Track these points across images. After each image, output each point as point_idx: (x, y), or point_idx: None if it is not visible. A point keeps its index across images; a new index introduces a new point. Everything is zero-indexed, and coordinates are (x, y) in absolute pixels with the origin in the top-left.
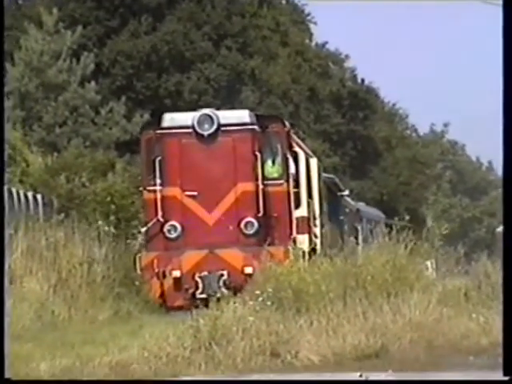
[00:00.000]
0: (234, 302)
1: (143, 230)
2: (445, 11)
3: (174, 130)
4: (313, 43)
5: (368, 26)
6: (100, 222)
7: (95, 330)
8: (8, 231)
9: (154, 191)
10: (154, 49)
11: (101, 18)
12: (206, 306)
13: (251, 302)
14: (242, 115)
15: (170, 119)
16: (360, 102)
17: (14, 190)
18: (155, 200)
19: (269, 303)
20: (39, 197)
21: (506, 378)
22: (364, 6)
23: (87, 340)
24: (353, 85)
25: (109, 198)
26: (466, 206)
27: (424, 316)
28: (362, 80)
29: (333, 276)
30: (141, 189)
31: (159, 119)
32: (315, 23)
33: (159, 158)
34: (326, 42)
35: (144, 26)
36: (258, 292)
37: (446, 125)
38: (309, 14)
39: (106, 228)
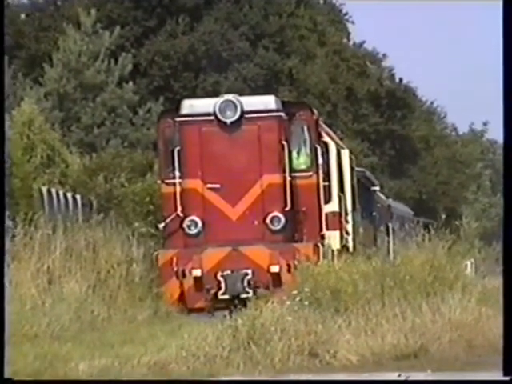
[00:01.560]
0: (273, 302)
1: (161, 226)
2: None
3: (193, 118)
4: (350, 42)
5: (406, 24)
6: (137, 224)
7: (134, 329)
8: (45, 231)
9: (173, 184)
10: (191, 49)
11: (138, 18)
12: (229, 307)
13: (289, 302)
14: (268, 101)
15: (190, 106)
16: (398, 101)
17: (53, 191)
18: (174, 193)
19: (307, 303)
20: (78, 197)
21: (506, 378)
22: (402, 4)
23: (126, 340)
24: (391, 84)
25: (148, 199)
26: None
27: (463, 316)
28: (400, 79)
29: (371, 276)
30: (159, 182)
31: (178, 106)
32: (353, 22)
33: (178, 148)
34: (364, 42)
35: (181, 26)
36: (295, 292)
37: (485, 124)
38: (346, 14)
39: (144, 229)
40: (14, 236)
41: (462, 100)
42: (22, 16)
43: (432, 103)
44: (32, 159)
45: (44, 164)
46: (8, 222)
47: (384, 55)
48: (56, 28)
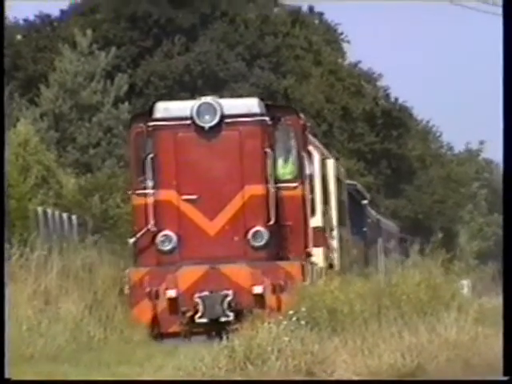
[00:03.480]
0: (269, 322)
1: (131, 241)
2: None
3: (168, 122)
4: (346, 62)
5: (401, 44)
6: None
7: (130, 350)
8: (41, 252)
9: (145, 195)
10: (187, 69)
11: (134, 38)
12: (207, 332)
13: (285, 322)
14: (250, 104)
15: (164, 109)
16: (393, 120)
17: (48, 211)
18: (146, 205)
19: (303, 323)
20: (74, 217)
21: (506, 378)
22: (398, 23)
23: (123, 360)
24: (386, 103)
25: None
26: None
27: (460, 335)
28: (396, 98)
29: (367, 295)
30: (129, 193)
31: (151, 109)
32: (348, 42)
33: (151, 156)
34: (359, 61)
35: (177, 46)
36: (291, 312)
37: (481, 143)
38: (342, 33)
39: None
40: (9, 257)
41: (459, 119)
42: (19, 37)
43: (428, 122)
44: (27, 180)
45: (39, 185)
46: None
47: (379, 75)
48: (52, 48)
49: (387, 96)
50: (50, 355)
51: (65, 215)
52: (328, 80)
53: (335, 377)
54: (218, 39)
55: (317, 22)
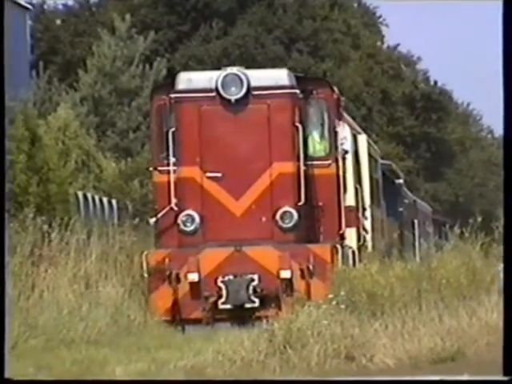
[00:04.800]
0: (309, 306)
1: (152, 220)
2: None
3: (191, 94)
4: (384, 45)
5: (440, 26)
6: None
7: (170, 334)
8: (81, 236)
9: (167, 172)
10: (225, 53)
11: (172, 22)
12: (231, 319)
13: (325, 306)
14: (280, 76)
15: (187, 80)
16: (433, 103)
17: (89, 196)
18: (168, 183)
19: (343, 307)
20: (114, 202)
21: (506, 378)
22: (436, 7)
23: (162, 344)
24: (425, 87)
25: None
26: None
27: (501, 319)
28: (435, 82)
29: (407, 279)
30: (151, 169)
31: (174, 80)
32: (387, 25)
33: (173, 130)
34: (398, 44)
35: (215, 30)
36: (331, 296)
37: None
38: (380, 17)
39: None
40: (50, 241)
41: (499, 102)
42: (58, 22)
43: (468, 105)
44: (67, 164)
45: (79, 169)
46: (44, 227)
47: (418, 58)
48: (91, 33)
49: (427, 79)
50: (90, 339)
51: (105, 199)
52: (367, 63)
53: (375, 361)
54: (256, 23)
55: (355, 5)
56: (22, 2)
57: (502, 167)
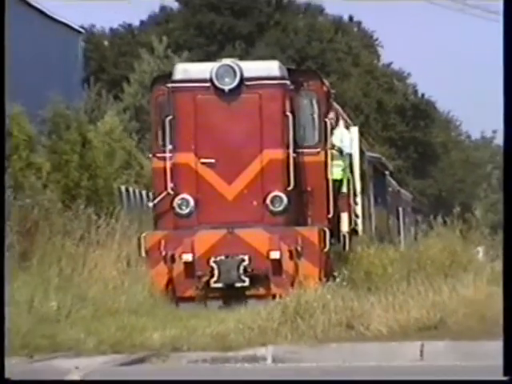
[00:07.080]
0: (315, 283)
1: (151, 204)
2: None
3: (187, 84)
4: (380, 63)
5: (428, 46)
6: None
7: (198, 307)
8: (124, 223)
9: (164, 158)
10: None
11: (202, 43)
12: (223, 297)
13: (329, 283)
14: (271, 67)
15: (184, 70)
16: (421, 112)
17: (130, 189)
18: (165, 168)
19: (344, 283)
20: (151, 194)
21: (506, 378)
22: (425, 31)
23: (192, 314)
24: (414, 98)
25: None
26: None
27: (476, 293)
28: (422, 94)
29: (398, 260)
30: (150, 155)
31: (171, 71)
32: (382, 46)
33: (170, 118)
34: (392, 63)
35: (238, 50)
36: (335, 274)
37: (494, 131)
38: (377, 39)
39: None
40: (98, 227)
41: (475, 110)
42: (105, 43)
43: (449, 113)
44: (113, 163)
45: (122, 167)
46: (93, 216)
47: (408, 74)
48: (133, 53)
49: (415, 92)
50: (131, 310)
51: (144, 192)
52: (365, 79)
53: (371, 329)
54: (272, 44)
55: (356, 29)
56: (76, 27)
57: (478, 166)
